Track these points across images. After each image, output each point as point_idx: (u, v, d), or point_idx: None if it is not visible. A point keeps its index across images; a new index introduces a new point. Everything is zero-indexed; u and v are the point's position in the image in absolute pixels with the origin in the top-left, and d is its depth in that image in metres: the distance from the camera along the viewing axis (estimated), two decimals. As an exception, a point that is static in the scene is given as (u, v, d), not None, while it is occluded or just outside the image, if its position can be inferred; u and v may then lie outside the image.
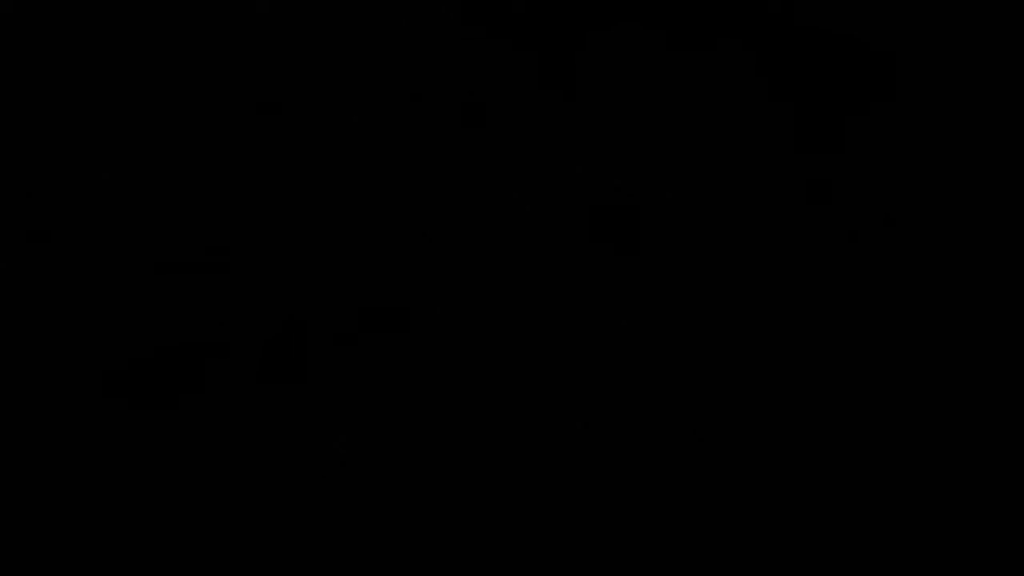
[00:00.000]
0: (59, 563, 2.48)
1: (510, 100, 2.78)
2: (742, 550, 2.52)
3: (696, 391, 2.60)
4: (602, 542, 2.51)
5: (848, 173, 2.64)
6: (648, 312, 2.68)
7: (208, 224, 2.70)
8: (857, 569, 2.51)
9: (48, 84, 2.78)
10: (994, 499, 2.53)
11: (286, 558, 2.49)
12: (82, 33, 2.81)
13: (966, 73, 2.65)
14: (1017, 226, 2.62)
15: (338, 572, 2.49)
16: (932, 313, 2.62)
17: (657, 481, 2.56)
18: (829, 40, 2.64)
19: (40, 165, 2.73)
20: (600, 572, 2.50)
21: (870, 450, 2.57)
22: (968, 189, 2.64)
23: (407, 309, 2.66)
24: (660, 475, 2.57)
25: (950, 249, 2.63)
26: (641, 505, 2.54)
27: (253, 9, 2.81)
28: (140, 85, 2.79)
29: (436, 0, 2.81)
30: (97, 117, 2.76)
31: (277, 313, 2.64)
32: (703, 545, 2.52)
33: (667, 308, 2.67)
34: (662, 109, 2.62)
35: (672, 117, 2.64)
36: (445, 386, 2.60)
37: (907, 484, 2.55)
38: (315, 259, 2.68)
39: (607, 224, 2.75)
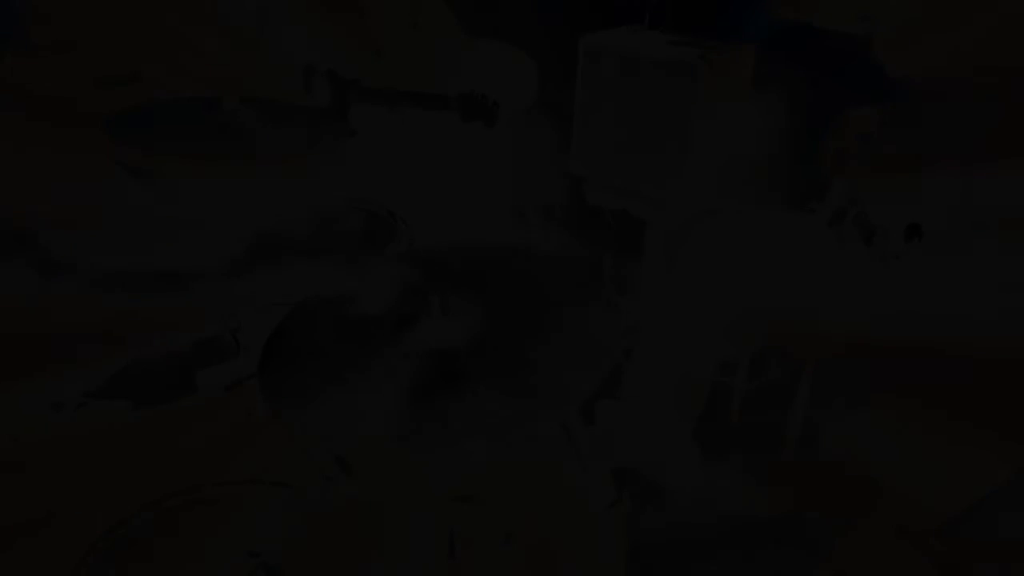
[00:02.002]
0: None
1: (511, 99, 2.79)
2: None
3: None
4: None
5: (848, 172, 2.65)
6: (648, 311, 2.69)
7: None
8: None
9: None
10: None
11: None
12: None
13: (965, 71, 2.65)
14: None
15: None
16: (932, 311, 2.62)
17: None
18: (829, 39, 2.64)
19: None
20: None
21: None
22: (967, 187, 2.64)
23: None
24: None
25: (950, 249, 2.64)
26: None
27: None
28: None
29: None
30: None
31: None
32: None
33: (666, 308, 2.67)
34: (662, 108, 2.62)
35: (672, 116, 2.64)
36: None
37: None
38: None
39: (606, 224, 2.75)
